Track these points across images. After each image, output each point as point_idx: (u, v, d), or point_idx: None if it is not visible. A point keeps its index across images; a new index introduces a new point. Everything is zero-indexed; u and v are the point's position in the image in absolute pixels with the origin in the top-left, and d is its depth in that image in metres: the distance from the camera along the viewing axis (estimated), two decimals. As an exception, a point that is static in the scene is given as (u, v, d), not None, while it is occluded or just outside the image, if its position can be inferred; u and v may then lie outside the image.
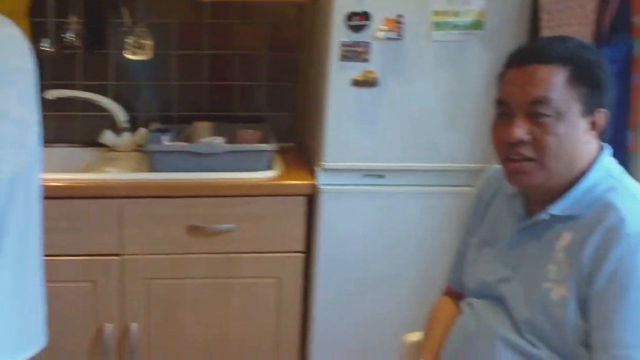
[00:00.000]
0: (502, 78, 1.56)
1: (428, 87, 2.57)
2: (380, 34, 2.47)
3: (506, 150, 1.52)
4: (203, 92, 3.08)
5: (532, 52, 1.53)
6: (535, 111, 1.48)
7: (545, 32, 2.40)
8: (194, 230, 2.58)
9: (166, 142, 2.75)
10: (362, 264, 2.71)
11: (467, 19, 2.50)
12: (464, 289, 1.75)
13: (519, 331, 1.55)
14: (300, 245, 2.67)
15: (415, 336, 1.90)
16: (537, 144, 1.49)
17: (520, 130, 1.49)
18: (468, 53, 2.54)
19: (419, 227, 2.69)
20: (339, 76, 2.53)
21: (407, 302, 2.71)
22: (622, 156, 2.18)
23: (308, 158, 2.86)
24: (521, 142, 1.49)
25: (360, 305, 2.74)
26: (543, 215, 1.56)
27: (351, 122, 2.58)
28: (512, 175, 1.55)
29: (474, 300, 1.69)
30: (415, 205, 2.68)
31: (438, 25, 2.49)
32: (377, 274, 2.72)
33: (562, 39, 1.55)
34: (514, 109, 1.51)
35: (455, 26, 2.50)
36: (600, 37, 2.20)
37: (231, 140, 2.76)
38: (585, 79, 1.49)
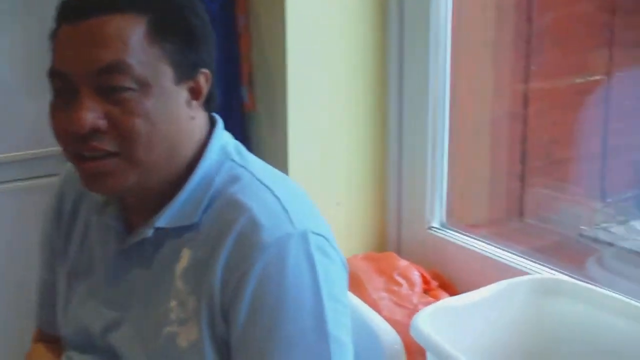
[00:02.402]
0: (54, 39, 1.10)
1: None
2: None
3: (75, 144, 1.08)
4: None
5: None
6: (109, 84, 1.05)
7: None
8: None
9: None
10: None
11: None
12: (62, 335, 1.29)
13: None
14: None
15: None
16: (119, 131, 1.06)
17: (91, 115, 1.05)
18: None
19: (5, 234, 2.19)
20: None
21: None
22: (241, 119, 1.99)
23: None
24: (95, 132, 1.05)
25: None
26: (146, 231, 1.14)
27: None
28: (89, 179, 1.11)
29: (75, 356, 1.24)
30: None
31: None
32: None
33: None
34: (76, 83, 1.06)
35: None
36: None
37: None
38: (172, 30, 1.09)
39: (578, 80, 2.14)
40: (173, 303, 1.11)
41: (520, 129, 2.16)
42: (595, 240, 1.89)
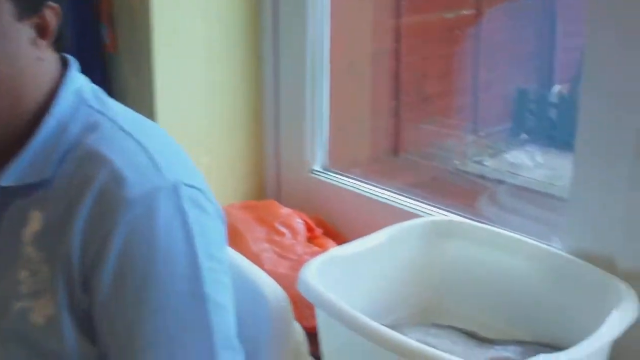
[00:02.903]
0: None
1: None
2: None
3: None
4: None
5: None
6: None
7: None
8: None
9: None
10: None
11: None
12: None
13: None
14: None
15: None
16: None
17: None
18: None
19: None
20: None
21: None
22: (101, 61, 1.79)
23: None
24: None
25: None
26: (-12, 191, 0.97)
27: None
28: None
29: None
30: None
31: None
32: None
33: None
34: None
35: None
36: None
37: None
38: None
39: (448, 15, 2.09)
40: (23, 274, 0.95)
41: (394, 65, 2.09)
42: (470, 173, 1.86)
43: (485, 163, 1.86)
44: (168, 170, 0.94)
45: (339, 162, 1.85)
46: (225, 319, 0.97)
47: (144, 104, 1.69)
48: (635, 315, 1.10)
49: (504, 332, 1.30)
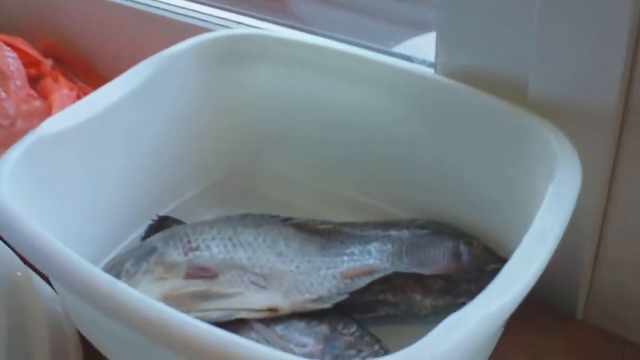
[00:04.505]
0: None
1: None
2: None
3: None
4: None
5: None
6: None
7: None
8: None
9: None
10: None
11: None
12: None
13: None
14: None
15: None
16: None
17: None
18: None
19: None
20: None
21: None
22: None
23: None
24: None
25: None
26: None
27: None
28: None
29: None
30: None
31: None
32: None
33: None
34: None
35: None
36: None
37: None
38: None
39: None
40: None
41: None
42: None
43: None
44: None
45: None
46: None
47: None
48: (578, 187, 0.60)
49: (360, 207, 0.80)
